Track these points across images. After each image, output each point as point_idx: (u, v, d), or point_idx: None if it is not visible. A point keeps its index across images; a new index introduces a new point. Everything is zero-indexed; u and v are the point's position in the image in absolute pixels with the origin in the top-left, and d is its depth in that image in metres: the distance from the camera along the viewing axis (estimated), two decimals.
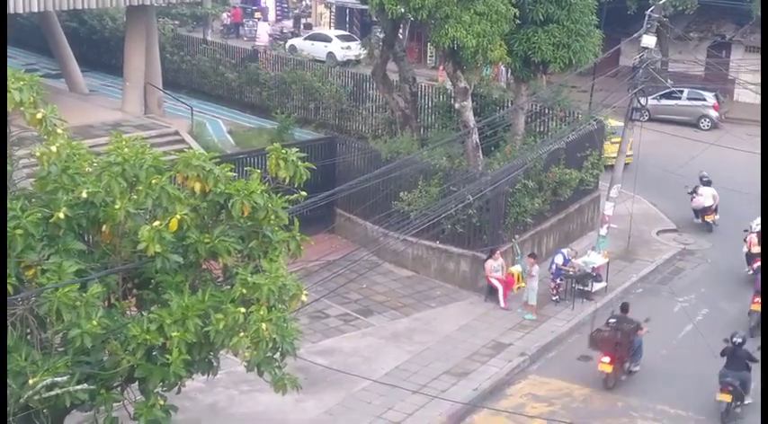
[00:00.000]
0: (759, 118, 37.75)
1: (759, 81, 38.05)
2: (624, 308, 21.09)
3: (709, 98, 41.59)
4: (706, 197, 29.44)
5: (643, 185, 28.92)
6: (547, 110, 29.46)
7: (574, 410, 19.33)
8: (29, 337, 11.19)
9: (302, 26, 56.68)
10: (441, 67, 39.03)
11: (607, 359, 19.87)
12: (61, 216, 11.30)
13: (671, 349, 21.82)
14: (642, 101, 25.26)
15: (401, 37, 31.89)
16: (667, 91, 38.34)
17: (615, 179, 26.04)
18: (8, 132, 11.57)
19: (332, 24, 57.02)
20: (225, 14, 57.01)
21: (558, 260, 24.16)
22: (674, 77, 40.05)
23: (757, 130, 36.58)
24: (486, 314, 23.45)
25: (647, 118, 27.56)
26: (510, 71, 28.40)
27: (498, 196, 24.21)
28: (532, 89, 29.02)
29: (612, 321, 20.46)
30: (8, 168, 11.45)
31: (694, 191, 29.67)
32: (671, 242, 29.00)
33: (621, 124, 26.48)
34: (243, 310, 11.28)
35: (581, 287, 24.33)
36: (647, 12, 24.95)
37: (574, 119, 28.82)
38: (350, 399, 19.10)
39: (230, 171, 12.14)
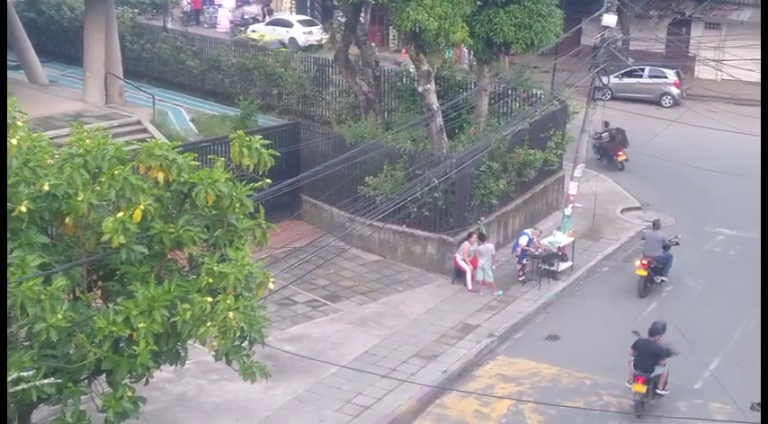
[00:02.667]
0: (719, 94, 38.31)
1: (719, 57, 38.46)
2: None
3: (671, 75, 41.90)
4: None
5: (607, 164, 29.15)
6: (510, 92, 29.53)
7: (542, 389, 19.49)
8: None
9: (265, 12, 56.39)
10: (403, 50, 39.01)
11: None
12: (23, 209, 11.23)
13: (637, 327, 21.96)
14: (604, 79, 25.37)
15: (363, 20, 31.79)
16: (629, 69, 38.55)
17: (579, 158, 26.19)
18: None
19: (293, 9, 56.77)
20: (185, 1, 56.59)
21: (523, 241, 24.28)
22: (635, 55, 40.11)
23: (718, 106, 37.05)
24: (454, 297, 23.55)
25: (609, 96, 27.72)
26: (472, 53, 28.40)
27: (463, 178, 24.28)
28: (495, 70, 29.05)
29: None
30: None
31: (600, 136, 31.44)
32: (635, 220, 29.24)
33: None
34: (210, 299, 11.27)
35: (547, 267, 24.48)
36: None
37: (537, 100, 28.92)
38: (319, 385, 19.14)
39: (194, 159, 12.10)
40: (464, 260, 23.73)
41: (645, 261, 23.39)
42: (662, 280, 23.62)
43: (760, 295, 15.61)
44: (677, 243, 24.00)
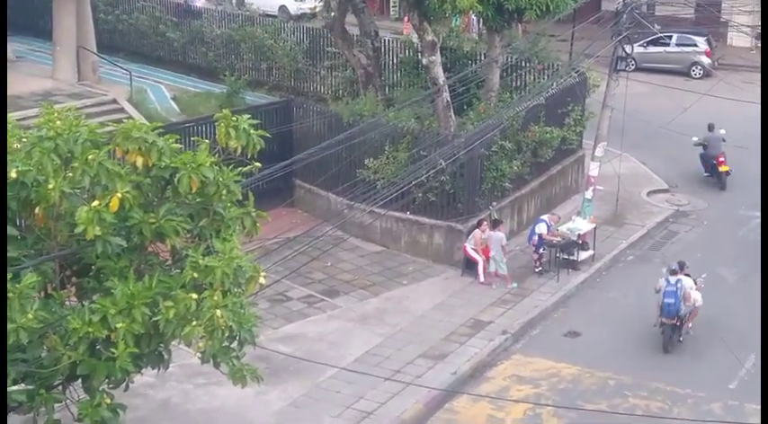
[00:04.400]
0: (756, 63, 38.21)
1: (755, 23, 38.34)
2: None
3: (701, 43, 41.86)
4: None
5: (631, 142, 29.09)
6: (523, 63, 29.49)
7: (562, 391, 19.52)
8: None
9: None
10: (405, 19, 38.95)
11: None
12: None
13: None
14: (627, 49, 25.32)
15: None
16: (654, 37, 38.41)
17: (600, 136, 26.16)
18: None
19: None
20: None
21: (541, 229, 24.28)
22: (661, 22, 40.13)
23: (753, 77, 36.97)
24: (464, 290, 23.57)
25: (633, 67, 27.62)
26: (482, 21, 28.35)
27: (473, 159, 24.26)
28: (507, 40, 29.02)
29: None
30: None
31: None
32: (663, 204, 29.27)
33: None
34: (195, 296, 11.28)
35: (566, 257, 24.49)
36: None
37: (553, 72, 28.88)
38: (316, 389, 19.17)
39: (176, 142, 12.09)
40: (475, 249, 23.74)
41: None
42: None
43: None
44: None
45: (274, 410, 18.48)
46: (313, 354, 20.01)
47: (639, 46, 37.13)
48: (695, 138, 30.54)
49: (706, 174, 30.87)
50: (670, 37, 41.42)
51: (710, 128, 30.49)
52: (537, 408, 18.81)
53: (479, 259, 23.74)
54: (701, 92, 32.30)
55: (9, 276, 10.72)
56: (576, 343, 21.44)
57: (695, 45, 41.80)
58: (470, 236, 23.92)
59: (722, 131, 30.26)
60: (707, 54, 41.58)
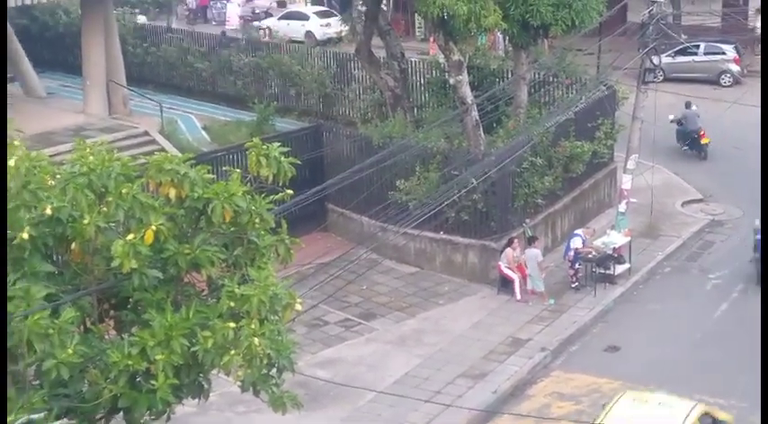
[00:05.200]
0: None
1: None
2: None
3: (729, 51, 41.59)
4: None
5: (663, 153, 29.00)
6: (551, 78, 29.46)
7: (603, 407, 19.32)
8: None
9: (276, 4, 56.62)
10: (431, 39, 39.00)
11: None
12: (25, 236, 11.27)
13: (706, 332, 21.87)
14: (655, 60, 25.25)
15: (385, 9, 31.91)
16: (682, 46, 38.30)
17: (632, 148, 26.06)
18: None
19: (308, 0, 56.94)
20: None
21: (576, 243, 24.19)
22: (688, 31, 40.01)
23: None
24: (501, 308, 23.51)
25: (661, 78, 27.55)
26: (507, 38, 28.38)
27: (504, 177, 24.22)
28: (533, 56, 29.00)
29: None
30: None
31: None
32: (698, 214, 29.08)
33: None
34: (232, 325, 11.28)
35: (602, 271, 24.37)
36: None
37: (581, 86, 28.82)
38: (357, 413, 19.16)
39: (207, 172, 12.12)
40: (509, 267, 23.67)
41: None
42: None
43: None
44: None
45: None
46: (352, 378, 20.00)
47: (667, 56, 37.00)
48: (671, 116, 31.91)
49: (684, 148, 32.78)
50: (698, 46, 41.22)
51: (687, 105, 32.87)
52: None
53: (515, 276, 23.66)
54: (731, 100, 32.10)
55: (48, 312, 10.77)
56: (617, 358, 21.30)
57: (723, 53, 41.55)
58: (502, 255, 23.86)
59: (694, 108, 32.67)
60: (735, 62, 41.32)
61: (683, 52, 40.35)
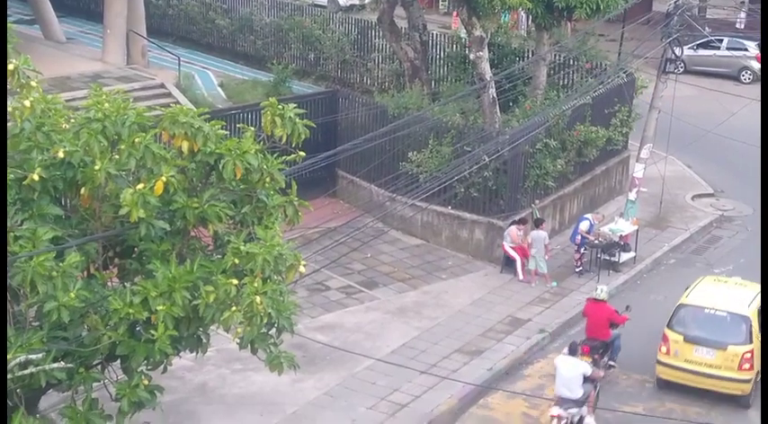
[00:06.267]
0: None
1: None
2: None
3: (752, 48, 41.38)
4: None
5: (677, 145, 28.90)
6: (571, 62, 29.33)
7: (598, 392, 19.39)
8: None
9: None
10: (454, 14, 38.87)
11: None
12: (36, 177, 11.32)
13: None
14: (677, 51, 25.13)
15: None
16: (705, 40, 38.10)
17: (646, 138, 25.99)
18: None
19: None
20: None
21: (583, 226, 24.17)
22: (712, 25, 39.81)
23: None
24: (503, 287, 23.52)
25: (682, 70, 27.43)
26: (531, 18, 28.22)
27: (517, 156, 24.18)
28: (555, 38, 28.88)
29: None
30: None
31: None
32: (707, 208, 29.02)
33: None
34: (235, 282, 11.32)
35: (607, 258, 24.37)
36: None
37: (601, 72, 28.70)
38: (352, 379, 19.21)
39: (221, 128, 12.13)
40: (512, 247, 23.67)
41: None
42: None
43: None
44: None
45: (310, 398, 18.54)
46: (350, 344, 20.06)
47: (689, 48, 36.81)
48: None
49: None
50: (721, 40, 40.99)
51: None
52: None
53: (517, 256, 23.65)
54: (750, 97, 31.94)
55: (53, 255, 10.81)
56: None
57: (746, 49, 41.34)
58: (506, 233, 23.84)
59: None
60: (757, 59, 41.10)
61: (705, 45, 40.16)
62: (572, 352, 17.86)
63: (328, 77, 35.00)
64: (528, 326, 21.70)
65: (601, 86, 27.27)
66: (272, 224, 12.09)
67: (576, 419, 17.58)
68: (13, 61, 11.69)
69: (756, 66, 40.87)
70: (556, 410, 17.34)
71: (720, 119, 31.20)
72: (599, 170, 28.07)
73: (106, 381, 12.20)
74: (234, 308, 11.31)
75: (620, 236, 24.67)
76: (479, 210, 24.87)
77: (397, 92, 27.91)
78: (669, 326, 19.47)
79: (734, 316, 19.29)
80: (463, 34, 28.80)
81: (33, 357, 10.76)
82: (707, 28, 38.19)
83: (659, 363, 19.42)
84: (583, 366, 17.63)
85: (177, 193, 11.75)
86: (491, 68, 26.58)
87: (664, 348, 19.34)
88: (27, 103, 11.50)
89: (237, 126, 13.15)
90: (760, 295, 19.61)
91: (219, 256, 12.13)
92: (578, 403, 17.52)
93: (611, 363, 19.89)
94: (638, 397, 19.34)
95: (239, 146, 11.82)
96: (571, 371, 17.51)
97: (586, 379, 17.69)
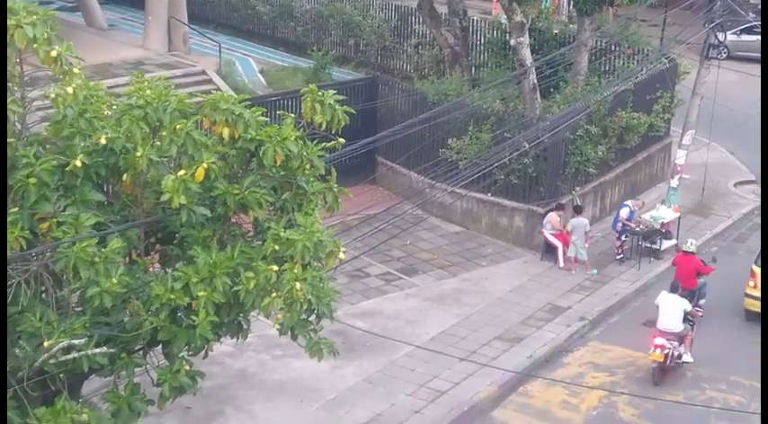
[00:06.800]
0: None
1: None
2: None
3: None
4: None
5: (720, 131, 28.61)
6: (613, 47, 29.12)
7: (638, 380, 19.34)
8: (44, 295, 11.33)
9: None
10: None
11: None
12: (78, 163, 11.37)
13: (745, 317, 21.70)
14: (720, 36, 24.89)
15: None
16: (749, 25, 37.66)
17: (689, 124, 25.78)
18: (21, 72, 11.62)
19: None
20: None
21: (624, 213, 24.04)
22: (756, 10, 39.31)
23: None
24: (543, 274, 23.45)
25: (725, 55, 27.19)
26: (572, 3, 28.06)
27: (557, 143, 24.08)
28: (597, 23, 28.67)
29: None
30: (21, 110, 11.52)
31: None
32: (749, 195, 28.77)
33: None
34: (275, 268, 11.32)
35: (648, 245, 24.23)
36: None
37: (643, 57, 28.49)
38: (391, 366, 19.25)
39: (262, 115, 12.14)
40: (552, 233, 23.58)
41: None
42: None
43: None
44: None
45: (349, 384, 18.60)
46: (389, 331, 20.09)
47: (733, 34, 36.43)
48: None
49: None
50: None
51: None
52: (612, 396, 18.67)
53: (558, 244, 23.56)
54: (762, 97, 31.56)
55: (95, 240, 10.88)
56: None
57: None
58: (545, 220, 23.76)
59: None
60: None
61: (749, 31, 39.71)
62: (673, 290, 19.78)
63: (368, 64, 35.00)
64: (568, 314, 21.63)
65: (643, 72, 27.07)
66: (312, 210, 12.09)
67: (676, 353, 19.32)
68: (56, 48, 11.75)
69: None
70: (660, 340, 19.11)
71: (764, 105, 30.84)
72: (640, 156, 27.89)
73: (148, 366, 12.28)
74: (274, 294, 11.32)
75: (662, 223, 24.52)
76: (519, 197, 24.79)
77: (436, 79, 27.85)
78: (756, 263, 21.69)
79: None
80: (504, 19, 28.68)
81: (76, 342, 10.85)
82: (751, 13, 37.76)
83: (747, 296, 21.56)
84: (683, 302, 19.56)
85: (218, 179, 11.78)
86: (532, 54, 26.46)
87: (752, 283, 21.47)
88: (69, 90, 11.55)
89: (278, 112, 13.17)
90: None
91: (260, 242, 12.15)
92: (678, 337, 19.35)
93: (698, 309, 21.05)
94: (677, 385, 19.22)
95: (279, 133, 11.83)
96: (673, 306, 19.40)
97: (685, 316, 19.48)
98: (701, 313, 21.10)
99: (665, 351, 19.06)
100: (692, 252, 21.67)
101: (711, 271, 21.61)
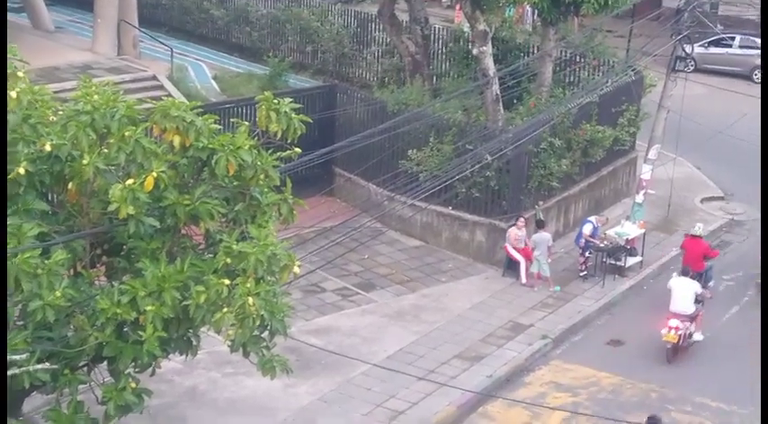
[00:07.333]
0: None
1: None
2: None
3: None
4: None
5: (687, 146, 28.90)
6: (578, 58, 29.33)
7: (601, 401, 19.42)
8: None
9: None
10: (457, 7, 38.85)
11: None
12: (21, 171, 11.31)
13: (714, 333, 21.86)
14: (687, 48, 25.11)
15: None
16: (716, 37, 38.10)
17: (655, 138, 25.97)
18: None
19: None
20: None
21: (586, 229, 24.17)
22: (724, 22, 39.77)
23: None
24: (504, 291, 23.50)
25: (692, 68, 27.44)
26: (536, 12, 28.22)
27: (520, 156, 24.16)
28: (562, 33, 28.85)
29: None
30: None
31: None
32: (717, 212, 29.00)
33: None
34: (227, 282, 11.31)
35: (613, 262, 24.35)
36: None
37: (609, 69, 28.70)
38: (347, 385, 19.20)
39: (214, 123, 12.13)
40: (514, 248, 23.66)
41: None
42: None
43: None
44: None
45: (303, 404, 18.53)
46: (345, 348, 20.04)
47: (700, 46, 36.83)
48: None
49: None
50: (733, 38, 41.00)
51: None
52: (574, 417, 18.72)
53: (521, 259, 23.65)
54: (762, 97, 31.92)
55: (38, 252, 10.80)
56: (619, 352, 21.30)
57: (759, 48, 41.31)
58: (507, 234, 23.84)
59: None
60: None
61: (717, 43, 40.17)
62: (684, 273, 21.54)
63: (326, 71, 34.99)
64: (530, 332, 21.67)
65: (608, 84, 27.27)
66: (266, 222, 12.09)
67: (688, 333, 20.88)
68: None
69: None
70: (674, 323, 20.61)
71: (731, 119, 31.22)
72: (605, 171, 28.04)
73: (92, 383, 12.20)
74: (225, 309, 11.30)
75: (627, 240, 24.65)
76: (481, 211, 24.86)
77: (397, 88, 27.89)
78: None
79: None
80: (466, 28, 28.79)
81: (17, 357, 10.75)
82: (719, 25, 38.19)
83: None
84: (695, 285, 21.13)
85: (168, 189, 11.75)
86: (495, 64, 26.57)
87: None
88: (13, 94, 11.48)
89: (231, 120, 13.15)
90: None
91: (211, 255, 12.12)
92: (690, 318, 20.91)
93: (707, 290, 22.30)
94: (642, 407, 19.31)
95: (233, 142, 11.82)
96: (685, 289, 20.98)
97: (696, 298, 20.98)
98: (710, 295, 22.40)
99: (679, 332, 20.61)
100: (699, 236, 23.43)
101: (717, 255, 24.01)
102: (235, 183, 12.19)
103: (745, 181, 30.71)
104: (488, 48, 26.00)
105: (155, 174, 11.44)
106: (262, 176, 12.07)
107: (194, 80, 33.67)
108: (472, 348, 20.90)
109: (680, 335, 20.61)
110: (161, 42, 35.52)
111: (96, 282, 12.14)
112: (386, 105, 26.26)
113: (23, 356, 10.81)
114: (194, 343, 12.47)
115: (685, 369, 20.61)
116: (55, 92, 13.34)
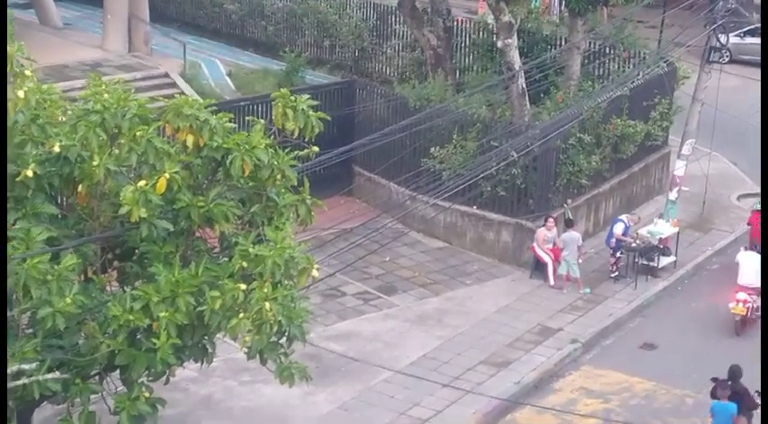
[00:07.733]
0: None
1: None
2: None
3: None
4: None
5: (721, 140, 28.80)
6: (607, 50, 29.25)
7: (634, 407, 19.37)
8: None
9: None
10: None
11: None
12: (29, 173, 11.35)
13: (749, 337, 21.79)
14: (722, 39, 25.03)
15: None
16: (753, 27, 37.91)
17: (689, 132, 25.90)
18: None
19: None
20: None
21: (617, 229, 24.10)
22: (761, 11, 39.54)
23: None
24: (532, 293, 23.48)
25: (727, 59, 27.35)
26: (564, 2, 28.18)
27: (548, 152, 24.13)
28: (590, 24, 28.78)
29: None
30: None
31: None
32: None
33: None
34: (243, 287, 11.33)
35: (645, 262, 24.28)
36: None
37: (640, 61, 28.62)
38: (368, 392, 19.21)
39: (229, 121, 12.15)
40: (541, 249, 23.62)
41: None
42: None
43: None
44: None
45: (322, 412, 18.56)
46: (366, 354, 20.06)
47: (735, 36, 36.68)
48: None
49: None
50: None
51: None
52: None
53: (548, 260, 23.61)
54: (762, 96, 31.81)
55: (48, 257, 10.84)
56: (652, 356, 21.24)
57: None
58: (535, 235, 23.80)
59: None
60: None
61: (753, 33, 39.96)
62: (752, 247, 22.98)
63: (344, 66, 35.01)
64: (559, 336, 21.65)
65: (639, 76, 27.19)
66: (283, 224, 12.10)
67: (755, 306, 21.91)
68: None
69: None
70: (742, 295, 21.85)
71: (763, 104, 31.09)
72: (637, 167, 27.99)
73: (104, 393, 12.25)
74: (242, 315, 11.32)
75: (660, 239, 24.58)
76: (507, 210, 24.83)
77: (418, 83, 27.87)
78: None
79: None
80: (490, 20, 28.74)
81: (26, 367, 10.80)
82: (755, 14, 38.02)
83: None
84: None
85: (181, 191, 11.77)
86: (521, 57, 26.52)
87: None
88: (21, 94, 11.52)
89: (247, 118, 13.18)
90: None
91: (226, 259, 12.15)
92: (757, 291, 21.78)
93: None
94: (676, 413, 19.26)
95: (248, 141, 11.83)
96: (754, 263, 22.17)
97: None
98: None
99: (747, 305, 21.80)
100: None
101: None
102: (251, 184, 12.21)
103: None
104: (514, 41, 25.96)
105: (167, 175, 11.47)
106: (278, 176, 12.08)
107: (208, 77, 33.71)
108: (499, 353, 20.88)
109: (748, 308, 21.72)
110: (173, 38, 35.55)
111: (108, 288, 12.18)
112: (407, 101, 26.26)
113: (33, 365, 10.85)
114: (209, 350, 12.49)
115: (722, 375, 20.49)
116: (64, 92, 13.41)
